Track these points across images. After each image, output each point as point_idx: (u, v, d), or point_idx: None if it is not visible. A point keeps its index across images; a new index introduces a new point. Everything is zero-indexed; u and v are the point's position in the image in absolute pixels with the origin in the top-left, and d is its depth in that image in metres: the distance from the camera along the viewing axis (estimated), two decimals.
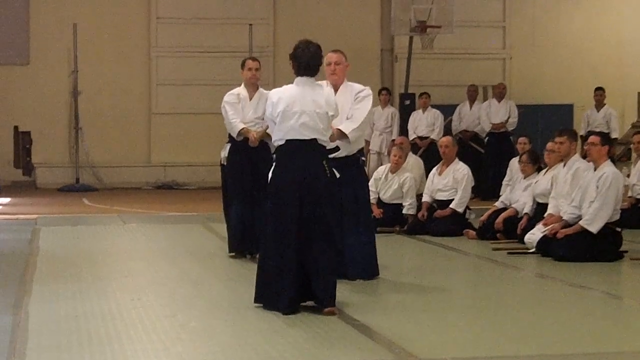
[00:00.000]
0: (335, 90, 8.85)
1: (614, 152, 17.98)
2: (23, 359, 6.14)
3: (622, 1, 23.21)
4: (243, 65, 10.53)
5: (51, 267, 9.98)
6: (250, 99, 10.44)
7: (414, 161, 13.88)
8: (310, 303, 7.62)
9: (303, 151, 7.62)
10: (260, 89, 10.50)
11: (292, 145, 7.64)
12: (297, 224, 7.54)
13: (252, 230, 10.15)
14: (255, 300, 7.71)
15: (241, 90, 10.49)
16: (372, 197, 12.90)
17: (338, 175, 8.01)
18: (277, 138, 7.75)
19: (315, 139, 7.64)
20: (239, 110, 10.36)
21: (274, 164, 7.81)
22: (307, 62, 7.69)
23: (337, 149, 8.62)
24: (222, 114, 10.51)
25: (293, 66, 7.77)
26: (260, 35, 21.53)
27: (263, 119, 10.27)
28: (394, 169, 13.15)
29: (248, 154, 10.28)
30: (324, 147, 7.76)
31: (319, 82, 8.02)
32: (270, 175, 7.78)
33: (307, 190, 7.55)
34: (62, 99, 21.30)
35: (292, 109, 7.62)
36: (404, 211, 12.97)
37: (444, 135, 15.36)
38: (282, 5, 22.02)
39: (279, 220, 7.60)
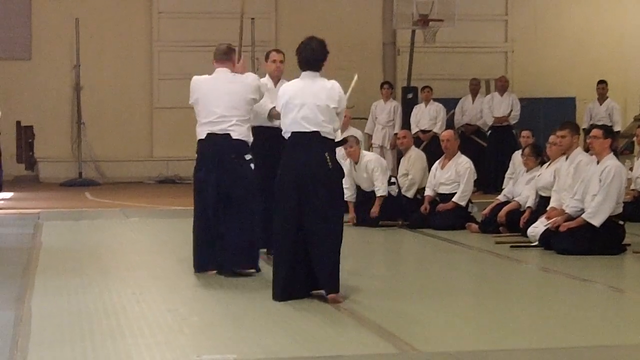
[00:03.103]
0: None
1: (616, 145, 17.94)
2: (26, 354, 6.15)
3: None
4: (267, 57, 10.45)
5: (54, 261, 9.98)
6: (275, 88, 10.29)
7: (416, 155, 13.87)
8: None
9: (305, 143, 7.79)
10: (282, 80, 10.21)
11: (296, 137, 7.84)
12: (296, 216, 7.72)
13: (270, 228, 9.74)
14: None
15: (266, 81, 10.19)
16: (350, 196, 12.84)
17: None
18: (284, 131, 7.97)
19: (317, 132, 7.77)
20: (266, 94, 9.92)
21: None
22: (307, 57, 7.90)
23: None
24: None
25: (297, 61, 7.97)
26: (262, 29, 21.49)
27: None
28: (355, 160, 13.04)
29: (271, 149, 9.68)
30: (328, 139, 7.86)
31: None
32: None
33: (307, 182, 7.70)
34: (64, 93, 21.32)
35: (293, 101, 7.85)
36: (376, 194, 12.92)
37: (446, 129, 15.34)
38: (283, 0, 22.03)
39: (281, 212, 7.83)
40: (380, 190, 12.92)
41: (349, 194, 12.58)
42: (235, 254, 8.88)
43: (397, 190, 13.23)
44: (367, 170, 13.00)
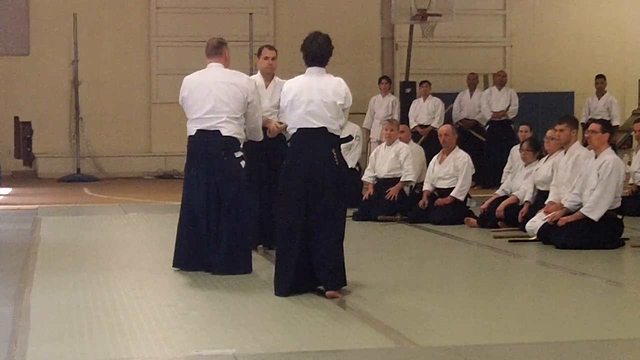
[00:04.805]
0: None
1: (615, 140, 17.97)
2: (24, 349, 6.15)
3: None
4: (259, 53, 10.35)
5: (52, 257, 9.98)
6: (266, 87, 10.16)
7: (414, 149, 13.88)
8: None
9: (312, 139, 7.77)
10: (276, 78, 10.21)
11: (302, 133, 7.82)
12: (302, 213, 7.69)
13: (269, 224, 9.60)
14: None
15: (257, 78, 10.16)
16: (369, 177, 13.19)
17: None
18: (290, 127, 7.95)
19: (324, 128, 7.77)
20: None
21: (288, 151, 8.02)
22: (314, 52, 7.86)
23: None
24: None
25: (303, 57, 7.92)
26: (260, 24, 21.49)
27: (279, 107, 10.01)
28: (389, 142, 13.41)
29: (263, 146, 9.83)
30: (335, 135, 7.86)
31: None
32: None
33: (313, 178, 7.70)
34: (63, 89, 21.30)
35: (299, 98, 7.81)
36: (402, 178, 13.09)
37: (444, 124, 15.34)
38: None
39: (286, 207, 7.79)
40: (410, 175, 13.18)
41: (368, 175, 13.40)
42: (228, 259, 8.72)
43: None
44: (398, 154, 13.24)
